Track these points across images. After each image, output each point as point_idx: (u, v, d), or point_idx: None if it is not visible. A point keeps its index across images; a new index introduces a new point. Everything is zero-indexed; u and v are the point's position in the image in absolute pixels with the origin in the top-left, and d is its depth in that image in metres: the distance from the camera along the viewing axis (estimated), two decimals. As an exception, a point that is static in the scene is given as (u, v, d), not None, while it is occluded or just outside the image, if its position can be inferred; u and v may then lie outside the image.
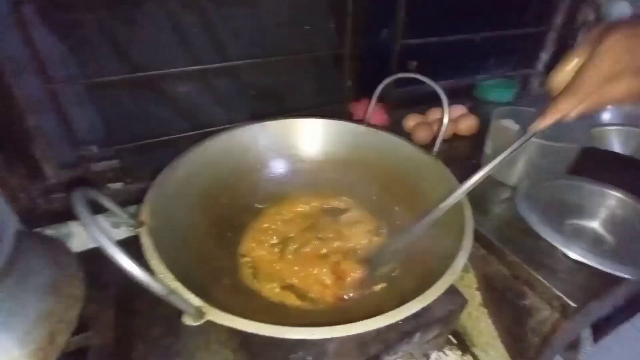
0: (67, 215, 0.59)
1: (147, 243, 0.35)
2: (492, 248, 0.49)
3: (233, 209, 0.52)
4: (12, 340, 0.30)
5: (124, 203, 0.43)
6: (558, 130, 0.59)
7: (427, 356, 0.55)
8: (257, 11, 0.59)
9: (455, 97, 0.93)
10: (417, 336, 0.46)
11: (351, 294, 0.45)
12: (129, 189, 0.62)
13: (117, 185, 0.64)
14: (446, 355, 0.56)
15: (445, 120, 0.49)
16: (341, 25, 0.65)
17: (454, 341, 0.58)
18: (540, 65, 1.00)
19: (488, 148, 0.62)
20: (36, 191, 0.58)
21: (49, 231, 0.57)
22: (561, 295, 0.41)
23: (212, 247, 0.46)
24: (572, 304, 0.41)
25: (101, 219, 0.61)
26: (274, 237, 0.51)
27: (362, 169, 0.57)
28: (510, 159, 0.56)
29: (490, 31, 0.83)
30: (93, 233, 0.24)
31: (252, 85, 0.66)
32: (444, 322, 0.49)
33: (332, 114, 0.61)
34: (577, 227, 0.53)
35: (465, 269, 0.54)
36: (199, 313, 0.29)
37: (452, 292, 0.50)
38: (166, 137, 0.61)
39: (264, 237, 0.50)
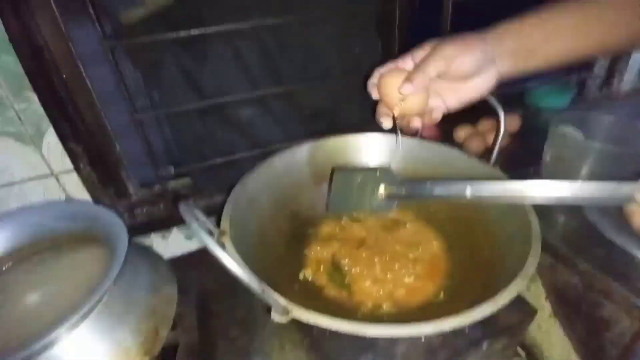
0: (149, 227, 0.66)
1: (230, 250, 0.39)
2: (561, 257, 0.48)
3: (297, 220, 0.55)
4: (126, 332, 0.35)
5: None
6: (625, 135, 0.57)
7: (494, 368, 0.54)
8: (309, 39, 0.64)
9: (505, 105, 0.92)
10: (484, 345, 0.46)
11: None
12: (198, 204, 0.69)
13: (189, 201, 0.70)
14: (514, 368, 0.54)
15: (502, 130, 0.50)
16: (388, 45, 0.68)
17: (522, 353, 0.56)
18: (598, 69, 0.96)
19: (547, 156, 0.61)
20: (122, 208, 0.66)
21: (137, 240, 0.65)
22: (643, 303, 0.39)
23: (282, 253, 0.49)
24: (656, 314, 0.39)
25: (176, 230, 0.68)
26: (337, 244, 0.53)
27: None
28: (571, 167, 0.55)
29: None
30: (202, 237, 0.28)
31: (307, 106, 0.70)
32: (512, 332, 0.48)
33: (383, 130, 0.64)
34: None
35: (532, 279, 0.53)
36: (285, 311, 0.32)
37: (520, 301, 0.49)
38: (230, 158, 0.67)
39: (328, 244, 0.53)
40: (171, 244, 0.68)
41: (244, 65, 0.63)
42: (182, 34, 0.53)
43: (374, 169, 0.43)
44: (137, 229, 0.65)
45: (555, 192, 0.33)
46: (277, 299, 0.32)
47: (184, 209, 0.31)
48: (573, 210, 0.54)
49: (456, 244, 0.52)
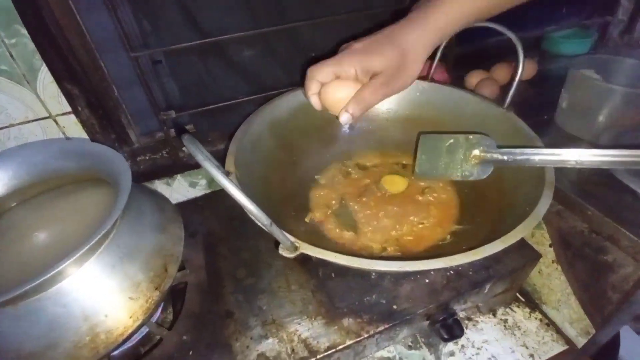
0: (152, 175, 0.65)
1: (237, 186, 0.38)
2: (569, 203, 0.48)
3: (302, 165, 0.54)
4: (135, 267, 0.35)
5: (197, 164, 0.47)
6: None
7: (493, 312, 0.55)
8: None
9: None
10: (487, 287, 0.47)
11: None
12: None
13: (192, 148, 0.69)
14: (513, 311, 0.56)
15: (520, 69, 0.47)
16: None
17: (522, 299, 0.57)
18: (621, 12, 0.89)
19: (563, 101, 0.58)
20: (124, 154, 0.65)
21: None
22: (651, 247, 0.39)
23: (287, 197, 0.49)
24: (662, 257, 0.39)
25: (180, 177, 0.68)
26: (344, 189, 0.53)
27: (427, 127, 0.57)
28: (589, 112, 0.53)
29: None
30: (209, 168, 0.27)
31: (313, 47, 0.66)
32: (514, 276, 0.49)
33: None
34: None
35: (537, 226, 0.53)
36: (294, 247, 0.32)
37: (524, 246, 0.49)
38: (233, 101, 0.65)
39: (335, 188, 0.52)
40: (175, 191, 0.68)
41: (245, 1, 0.58)
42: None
43: (467, 134, 0.41)
44: (141, 176, 0.65)
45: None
46: (286, 234, 0.31)
47: (187, 140, 0.30)
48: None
49: (465, 187, 0.51)
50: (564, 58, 0.81)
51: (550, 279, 0.53)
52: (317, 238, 0.46)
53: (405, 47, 0.38)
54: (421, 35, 0.38)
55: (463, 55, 0.77)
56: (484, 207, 0.46)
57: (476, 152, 0.39)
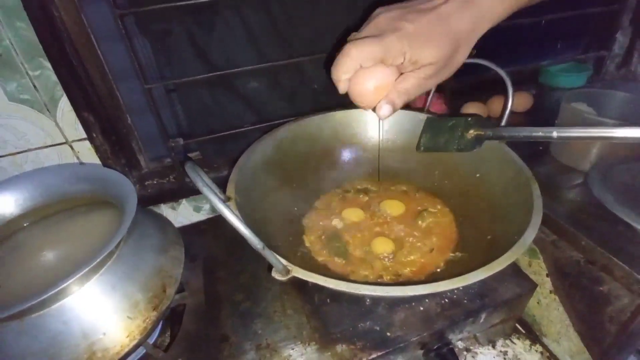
0: (159, 199, 0.68)
1: (235, 213, 0.40)
2: (564, 233, 0.48)
3: (301, 193, 0.56)
4: (135, 287, 0.37)
5: None
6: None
7: (493, 343, 0.55)
8: (318, 11, 0.63)
9: (518, 83, 0.89)
10: (482, 317, 0.47)
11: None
12: (208, 176, 0.70)
13: (198, 174, 0.72)
14: (513, 343, 0.55)
15: (509, 103, 0.49)
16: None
17: (522, 330, 0.56)
18: (617, 47, 0.92)
19: (557, 133, 0.59)
20: (134, 179, 0.68)
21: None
22: (644, 278, 0.39)
23: (284, 223, 0.51)
24: (657, 289, 0.39)
25: (185, 202, 0.70)
26: (335, 218, 0.54)
27: (422, 156, 0.58)
28: (582, 145, 0.55)
29: (556, 13, 0.79)
30: (207, 194, 0.29)
31: (315, 80, 0.70)
32: (510, 305, 0.48)
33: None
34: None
35: (533, 255, 0.53)
36: (285, 270, 0.33)
37: (520, 275, 0.49)
38: (238, 130, 0.68)
39: (327, 218, 0.54)
40: (180, 215, 0.70)
41: (253, 37, 0.62)
42: (190, 1, 0.53)
43: (467, 115, 0.47)
44: (148, 200, 0.67)
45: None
46: (278, 258, 0.33)
47: (189, 167, 0.32)
48: (578, 185, 0.53)
49: (460, 216, 0.52)
50: (560, 91, 0.83)
51: (549, 310, 0.52)
52: (311, 263, 0.47)
53: (460, 36, 0.33)
54: (477, 22, 0.34)
55: (460, 87, 0.80)
56: (478, 235, 0.47)
57: (472, 130, 0.43)
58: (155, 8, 0.54)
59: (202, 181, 0.30)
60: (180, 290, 0.48)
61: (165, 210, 0.69)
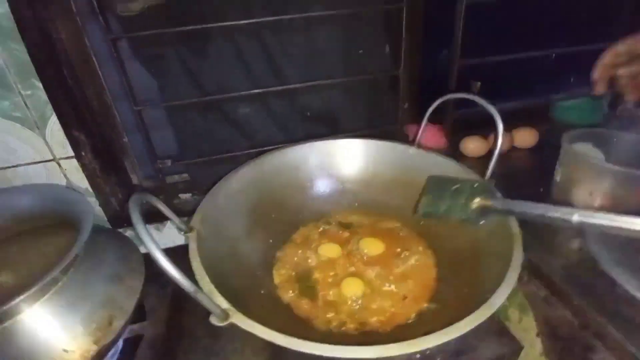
0: (147, 219, 0.67)
1: (192, 247, 0.39)
2: (556, 289, 0.43)
3: (279, 224, 0.54)
4: (77, 319, 0.35)
5: (191, 212, 0.48)
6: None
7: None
8: (311, 37, 0.63)
9: (528, 118, 0.85)
10: (459, 377, 0.42)
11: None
12: (196, 199, 0.69)
13: (187, 196, 0.72)
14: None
15: (499, 143, 0.46)
16: (396, 47, 0.66)
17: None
18: (637, 84, 0.87)
19: (557, 174, 0.55)
20: (123, 197, 0.68)
21: (130, 232, 0.66)
22: (638, 353, 0.34)
23: (254, 258, 0.49)
24: (655, 366, 0.34)
25: (170, 224, 0.69)
26: (310, 253, 0.51)
27: (410, 191, 0.56)
28: (581, 188, 0.50)
29: (568, 46, 0.75)
30: (138, 228, 0.28)
31: (308, 107, 0.69)
32: (493, 366, 0.44)
33: (387, 136, 0.62)
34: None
35: (524, 310, 0.48)
36: (225, 315, 0.31)
37: (504, 334, 0.45)
38: (228, 154, 0.67)
39: (302, 252, 0.51)
40: (165, 237, 0.70)
41: (245, 63, 0.63)
42: (181, 28, 0.54)
43: (472, 181, 0.43)
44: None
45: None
46: (218, 302, 0.31)
47: (133, 199, 0.31)
48: (574, 240, 0.48)
49: (442, 261, 0.49)
50: (572, 128, 0.78)
51: (540, 374, 0.47)
52: (274, 305, 0.44)
53: None
54: None
55: (461, 120, 0.77)
56: (456, 284, 0.43)
57: (478, 199, 0.40)
58: (147, 34, 0.55)
59: (137, 214, 0.28)
60: (141, 319, 0.47)
61: (152, 231, 0.68)
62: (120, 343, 0.45)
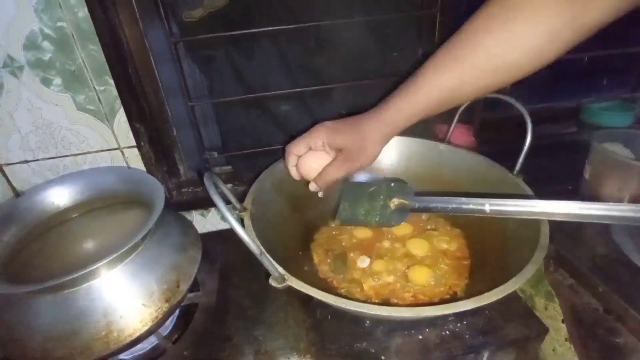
0: (192, 205, 0.74)
1: (247, 223, 0.44)
2: (581, 277, 0.46)
3: (317, 211, 0.59)
4: (152, 280, 0.41)
5: (229, 201, 0.53)
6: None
7: (500, 386, 0.52)
8: (349, 41, 0.68)
9: (557, 120, 0.87)
10: (484, 355, 0.45)
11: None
12: (237, 189, 0.75)
13: (228, 186, 0.78)
14: (524, 390, 0.52)
15: (528, 139, 0.49)
16: (428, 50, 0.70)
17: (536, 378, 0.53)
18: (673, 87, 0.86)
19: (586, 173, 0.57)
20: (172, 185, 0.75)
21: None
22: (659, 332, 0.36)
23: (296, 238, 0.53)
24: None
25: (214, 210, 0.75)
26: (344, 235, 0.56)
27: (439, 185, 0.59)
28: (611, 186, 0.52)
29: (600, 50, 0.76)
30: (216, 200, 0.33)
31: (344, 105, 0.74)
32: (517, 348, 0.46)
33: (418, 134, 0.65)
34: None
35: (550, 298, 0.51)
36: (282, 278, 0.36)
37: (530, 316, 0.47)
38: (268, 148, 0.73)
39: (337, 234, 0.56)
40: (208, 222, 0.76)
41: (287, 63, 0.68)
42: (235, 32, 0.60)
43: (387, 181, 0.45)
44: (182, 205, 0.74)
45: (571, 210, 0.32)
46: (275, 265, 0.35)
47: (207, 177, 0.36)
48: (601, 230, 0.50)
49: (472, 243, 0.52)
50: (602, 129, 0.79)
51: (565, 359, 0.49)
52: (314, 281, 0.48)
53: (365, 133, 0.45)
54: (377, 126, 0.45)
55: (490, 120, 0.79)
56: (485, 269, 0.46)
57: (395, 199, 0.40)
58: (202, 38, 0.61)
59: (214, 190, 0.34)
60: (195, 289, 0.52)
61: (195, 216, 0.75)
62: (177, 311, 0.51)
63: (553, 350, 0.51)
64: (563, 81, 0.86)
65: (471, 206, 0.35)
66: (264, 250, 0.34)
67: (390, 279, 0.48)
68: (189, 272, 0.44)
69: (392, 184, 0.42)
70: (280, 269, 0.36)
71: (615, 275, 0.43)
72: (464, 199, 0.36)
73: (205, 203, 0.75)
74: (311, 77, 0.69)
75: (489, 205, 0.34)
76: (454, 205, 0.36)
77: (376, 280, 0.47)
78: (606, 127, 0.80)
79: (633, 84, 0.88)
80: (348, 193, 0.45)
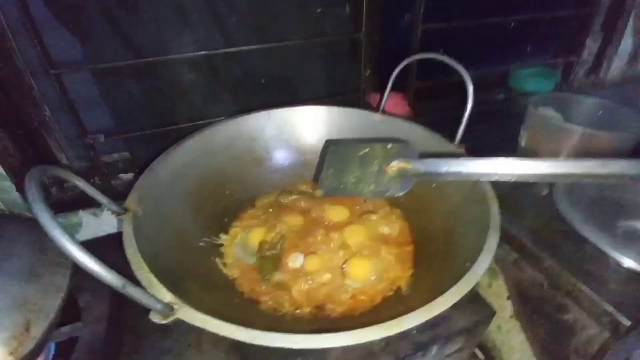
0: (79, 204, 0.58)
1: (126, 230, 0.32)
2: (526, 252, 0.43)
3: (233, 201, 0.49)
4: (-19, 328, 0.28)
5: None
6: (609, 118, 0.52)
7: (447, 372, 0.48)
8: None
9: (486, 87, 0.85)
10: (434, 349, 0.41)
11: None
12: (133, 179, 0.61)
13: (129, 176, 0.63)
14: (471, 372, 0.49)
15: (469, 104, 0.43)
16: (357, 7, 0.61)
17: (481, 357, 0.51)
18: (586, 53, 0.89)
19: (522, 140, 0.54)
20: (50, 180, 0.58)
21: (60, 219, 0.57)
22: (612, 310, 0.34)
23: (205, 238, 0.43)
24: (626, 321, 0.33)
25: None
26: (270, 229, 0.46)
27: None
28: (546, 150, 0.50)
29: (525, 14, 0.74)
30: (36, 211, 0.21)
31: (262, 73, 0.63)
32: (466, 334, 0.42)
33: (349, 104, 0.57)
34: (632, 230, 0.44)
35: (493, 275, 0.48)
36: (169, 309, 0.25)
37: (477, 300, 0.43)
38: (172, 127, 0.59)
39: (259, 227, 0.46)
40: (104, 223, 0.61)
41: (186, 20, 0.54)
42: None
43: (384, 142, 0.34)
44: (66, 204, 0.58)
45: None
46: (152, 296, 0.25)
47: (31, 174, 0.24)
48: (544, 196, 0.48)
49: (415, 226, 0.46)
50: (528, 95, 0.79)
51: (510, 336, 0.47)
52: (226, 288, 0.39)
53: None
54: None
55: (425, 87, 0.74)
56: (431, 254, 0.40)
57: (395, 163, 0.32)
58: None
59: (35, 194, 0.22)
60: (75, 319, 0.40)
61: (85, 217, 0.59)
62: (52, 348, 0.38)
63: (498, 327, 0.48)
64: (491, 48, 0.84)
65: (492, 169, 0.27)
66: (128, 281, 0.23)
67: (326, 278, 0.40)
68: (45, 307, 0.31)
69: (390, 145, 0.33)
70: (168, 296, 0.26)
71: (562, 248, 0.40)
72: (480, 160, 0.27)
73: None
74: (220, 39, 0.56)
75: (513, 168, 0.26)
76: (469, 170, 0.28)
77: (309, 282, 0.39)
78: (531, 92, 0.80)
79: (554, 50, 0.89)
80: (334, 157, 0.36)
